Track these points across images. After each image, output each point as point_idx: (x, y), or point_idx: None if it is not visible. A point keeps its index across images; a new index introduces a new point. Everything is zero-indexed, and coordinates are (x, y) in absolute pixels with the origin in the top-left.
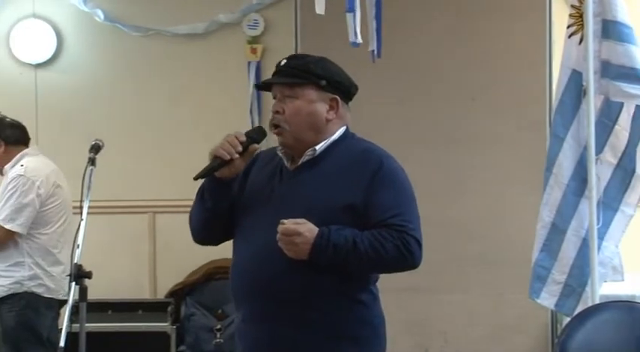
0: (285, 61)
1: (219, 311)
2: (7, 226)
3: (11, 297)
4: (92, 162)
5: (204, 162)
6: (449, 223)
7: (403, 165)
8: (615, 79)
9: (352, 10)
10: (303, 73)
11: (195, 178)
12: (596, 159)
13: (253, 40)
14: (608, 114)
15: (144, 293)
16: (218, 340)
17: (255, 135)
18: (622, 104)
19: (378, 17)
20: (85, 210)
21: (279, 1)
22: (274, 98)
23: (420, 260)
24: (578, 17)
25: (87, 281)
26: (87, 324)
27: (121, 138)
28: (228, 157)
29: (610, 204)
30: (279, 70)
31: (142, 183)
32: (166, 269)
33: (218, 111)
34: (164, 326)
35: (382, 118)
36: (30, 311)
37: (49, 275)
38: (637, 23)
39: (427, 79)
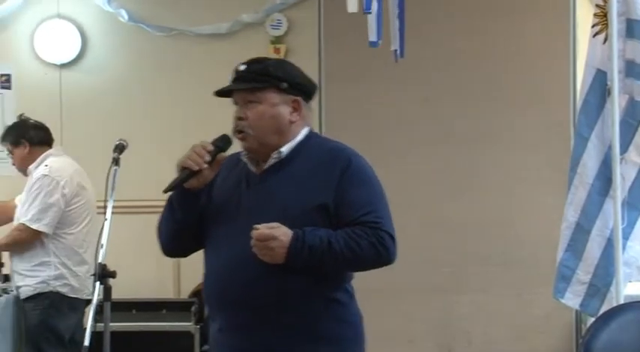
0: (243, 66)
1: None
2: (34, 226)
3: (36, 297)
4: (116, 162)
5: None
6: (472, 223)
7: (424, 164)
8: None
9: (369, 9)
10: (263, 76)
11: (165, 191)
12: (621, 159)
13: (276, 40)
14: (633, 114)
15: (168, 293)
16: None
17: (222, 143)
18: None
19: (401, 17)
20: (109, 210)
21: (302, 1)
22: (235, 104)
23: (395, 255)
24: (602, 16)
25: (111, 281)
26: (111, 323)
27: (145, 138)
28: (197, 168)
29: (635, 203)
30: (239, 76)
31: (165, 183)
32: (190, 268)
33: None
34: (188, 325)
35: (404, 118)
36: (53, 311)
37: (75, 275)
38: None
39: (450, 79)
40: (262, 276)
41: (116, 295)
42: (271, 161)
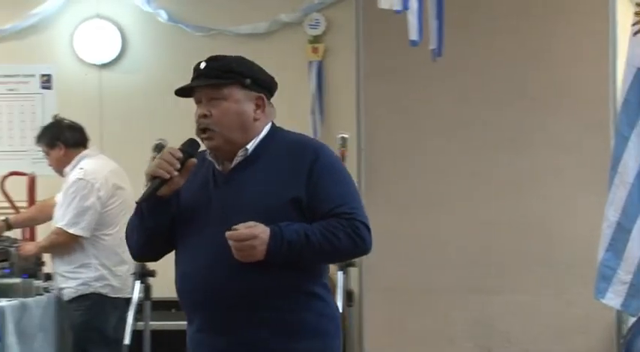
0: (204, 63)
1: None
2: (71, 230)
3: (78, 298)
4: None
5: None
6: (511, 224)
7: (462, 164)
8: None
9: (406, 8)
10: (226, 73)
11: (139, 202)
12: None
13: (315, 40)
14: None
15: None
16: None
17: (190, 149)
18: None
19: (440, 16)
20: None
21: (340, 0)
22: (198, 103)
23: (371, 245)
24: None
25: (151, 280)
26: (151, 322)
27: (184, 138)
28: (168, 176)
29: None
30: (200, 73)
31: None
32: None
33: (280, 112)
34: None
35: (442, 118)
36: (96, 311)
37: (115, 275)
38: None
39: (488, 79)
40: (239, 274)
41: (156, 294)
42: (237, 159)
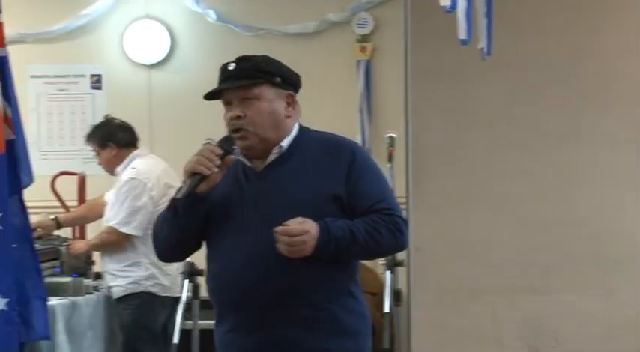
0: (233, 64)
1: None
2: (123, 229)
3: (127, 297)
4: None
5: None
6: (560, 222)
7: (512, 163)
8: None
9: (454, 8)
10: (256, 73)
11: (179, 198)
12: None
13: (363, 39)
14: None
15: None
16: None
17: (227, 145)
18: None
19: (489, 15)
20: None
21: None
22: (227, 104)
23: (408, 241)
24: None
25: (199, 279)
26: (199, 321)
27: None
28: (209, 173)
29: None
30: (230, 75)
31: None
32: None
33: (328, 111)
34: None
35: (490, 116)
36: (145, 310)
37: (165, 274)
38: None
39: (536, 76)
40: (277, 271)
41: (205, 293)
42: (272, 156)
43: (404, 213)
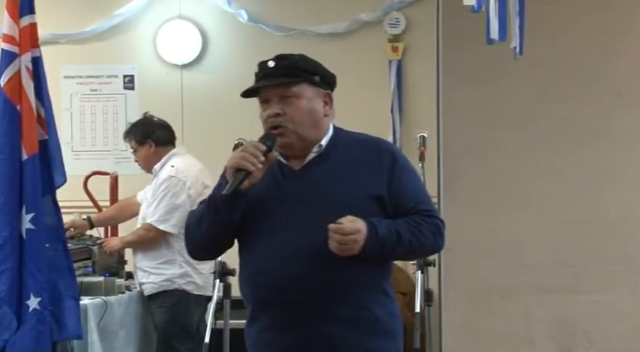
0: (272, 62)
1: None
2: (161, 227)
3: (161, 294)
4: None
5: None
6: (592, 222)
7: (544, 163)
8: None
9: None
10: (295, 71)
11: (227, 194)
12: None
13: (394, 39)
14: None
15: None
16: None
17: (269, 142)
18: None
19: (522, 14)
20: None
21: None
22: (265, 102)
23: (445, 242)
24: None
25: (231, 279)
26: (230, 321)
27: None
28: (253, 169)
29: None
30: (268, 73)
31: None
32: None
33: (359, 111)
34: None
35: (522, 115)
36: (180, 307)
37: (199, 273)
38: None
39: (569, 76)
40: (319, 269)
41: (236, 293)
42: (311, 155)
43: None
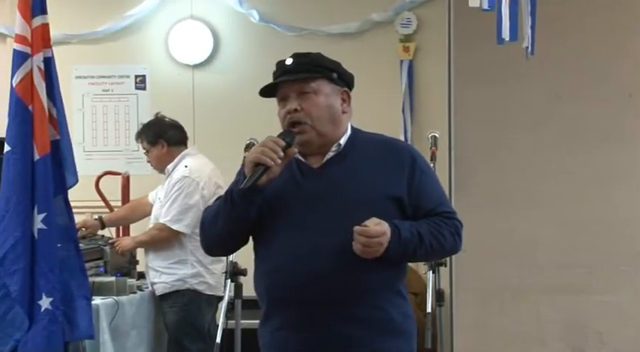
0: (290, 59)
1: None
2: (174, 227)
3: (173, 294)
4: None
5: None
6: (602, 222)
7: (555, 163)
8: None
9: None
10: (314, 67)
11: (245, 189)
12: None
13: (406, 39)
14: None
15: None
16: None
17: (288, 138)
18: None
19: (533, 14)
20: None
21: None
22: (283, 100)
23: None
24: None
25: (242, 279)
26: (242, 321)
27: None
28: (272, 164)
29: None
30: (287, 70)
31: None
32: None
33: (371, 110)
34: None
35: (533, 116)
36: (192, 307)
37: (211, 273)
38: None
39: (580, 76)
40: (336, 269)
41: (247, 293)
42: (330, 154)
43: None
